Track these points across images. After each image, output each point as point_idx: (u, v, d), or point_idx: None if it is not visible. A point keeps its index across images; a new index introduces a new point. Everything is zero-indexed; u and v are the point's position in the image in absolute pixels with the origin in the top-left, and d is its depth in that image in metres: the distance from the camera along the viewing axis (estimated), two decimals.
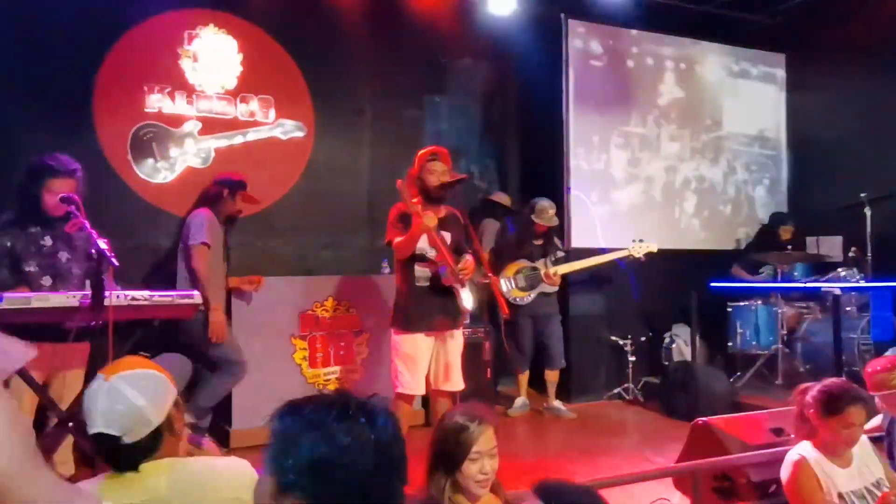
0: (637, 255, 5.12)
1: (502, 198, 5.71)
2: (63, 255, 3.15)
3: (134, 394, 1.48)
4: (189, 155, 4.89)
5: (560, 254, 5.12)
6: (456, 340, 3.65)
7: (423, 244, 3.53)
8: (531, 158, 6.07)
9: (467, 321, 4.00)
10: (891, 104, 5.84)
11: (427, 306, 3.52)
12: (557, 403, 5.08)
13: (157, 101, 4.79)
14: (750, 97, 6.50)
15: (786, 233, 5.72)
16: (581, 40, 5.77)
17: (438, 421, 1.96)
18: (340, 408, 1.01)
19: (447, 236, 3.60)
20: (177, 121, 4.84)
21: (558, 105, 5.67)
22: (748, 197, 6.50)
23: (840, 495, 2.33)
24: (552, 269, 4.96)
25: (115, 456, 1.50)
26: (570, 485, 1.39)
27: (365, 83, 5.48)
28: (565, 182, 5.61)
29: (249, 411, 4.09)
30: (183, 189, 4.83)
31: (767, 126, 6.60)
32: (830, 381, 2.50)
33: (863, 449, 2.45)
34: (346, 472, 0.97)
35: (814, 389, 2.45)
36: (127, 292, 2.93)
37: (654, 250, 5.14)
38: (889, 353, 3.04)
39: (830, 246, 5.89)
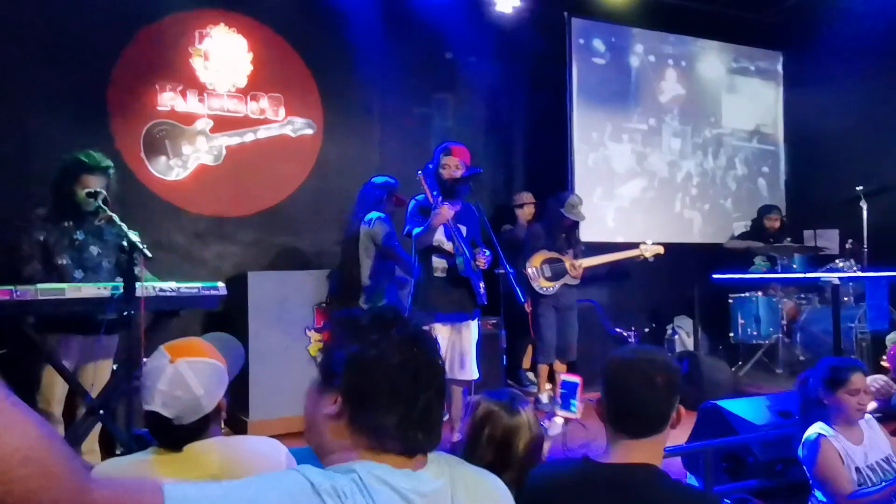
0: (647, 256, 5.21)
1: (524, 198, 5.74)
2: (94, 249, 3.24)
3: (195, 383, 1.53)
4: (201, 152, 4.97)
5: (582, 247, 5.19)
6: (471, 330, 3.75)
7: (440, 236, 3.64)
8: (537, 155, 6.18)
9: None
10: (885, 100, 6.00)
11: (444, 296, 3.63)
12: None
13: (169, 100, 4.87)
14: (748, 94, 6.64)
15: (770, 221, 5.88)
16: (584, 38, 5.90)
17: (511, 425, 1.80)
18: (379, 315, 1.13)
19: (463, 229, 3.71)
20: (189, 119, 4.92)
21: (562, 102, 5.79)
22: (748, 191, 6.65)
23: (857, 469, 2.46)
24: (577, 262, 5.04)
25: (163, 434, 1.57)
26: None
27: (373, 81, 5.57)
28: (570, 178, 5.73)
29: (266, 402, 4.19)
30: (196, 186, 4.92)
31: (765, 122, 6.75)
32: (827, 359, 2.66)
33: (870, 426, 2.59)
34: (373, 367, 1.06)
35: (817, 371, 2.59)
36: (155, 284, 3.03)
37: (662, 252, 5.24)
38: None
39: (828, 238, 6.04)
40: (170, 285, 3.08)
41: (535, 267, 5.01)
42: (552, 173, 5.86)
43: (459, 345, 3.72)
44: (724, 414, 3.28)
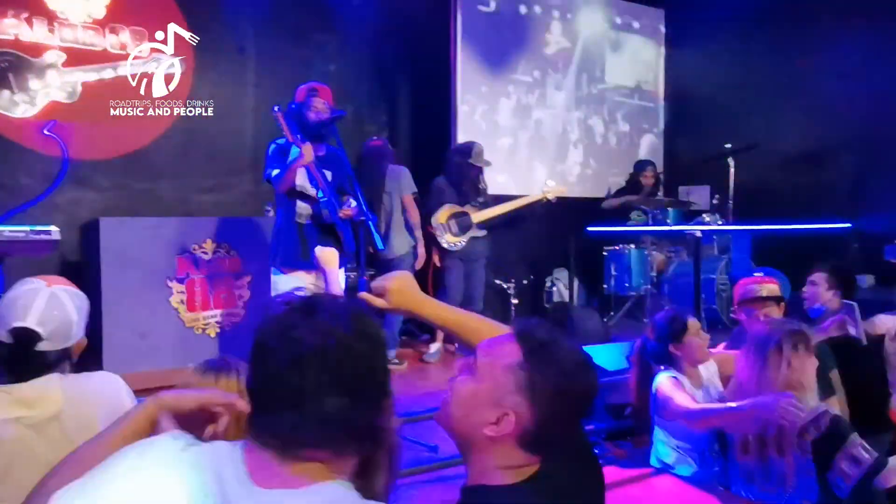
0: (550, 198, 5.21)
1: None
2: None
3: (71, 307, 1.58)
4: (53, 88, 4.55)
5: (486, 197, 5.11)
6: (338, 280, 3.66)
7: (303, 181, 3.49)
8: (421, 104, 6.06)
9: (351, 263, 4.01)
10: (756, 60, 6.27)
11: (308, 244, 3.51)
12: None
13: (11, 27, 4.39)
14: (631, 50, 6.76)
15: (646, 178, 6.07)
16: None
17: None
18: (306, 301, 1.00)
19: (328, 174, 3.58)
20: (36, 50, 4.47)
21: (447, 51, 5.69)
22: (628, 147, 6.82)
23: None
24: (475, 215, 4.98)
25: (19, 359, 1.53)
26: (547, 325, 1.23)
27: (248, 19, 5.25)
28: (453, 128, 5.67)
29: (121, 356, 3.94)
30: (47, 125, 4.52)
31: (646, 79, 6.91)
32: (655, 317, 2.75)
33: (708, 370, 2.71)
34: (276, 354, 0.95)
35: (656, 331, 2.66)
36: None
37: (565, 192, 5.25)
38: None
39: (699, 194, 6.31)
40: None
41: (440, 223, 4.93)
42: (435, 123, 5.77)
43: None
44: None
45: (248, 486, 0.93)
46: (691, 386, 2.58)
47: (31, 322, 1.51)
